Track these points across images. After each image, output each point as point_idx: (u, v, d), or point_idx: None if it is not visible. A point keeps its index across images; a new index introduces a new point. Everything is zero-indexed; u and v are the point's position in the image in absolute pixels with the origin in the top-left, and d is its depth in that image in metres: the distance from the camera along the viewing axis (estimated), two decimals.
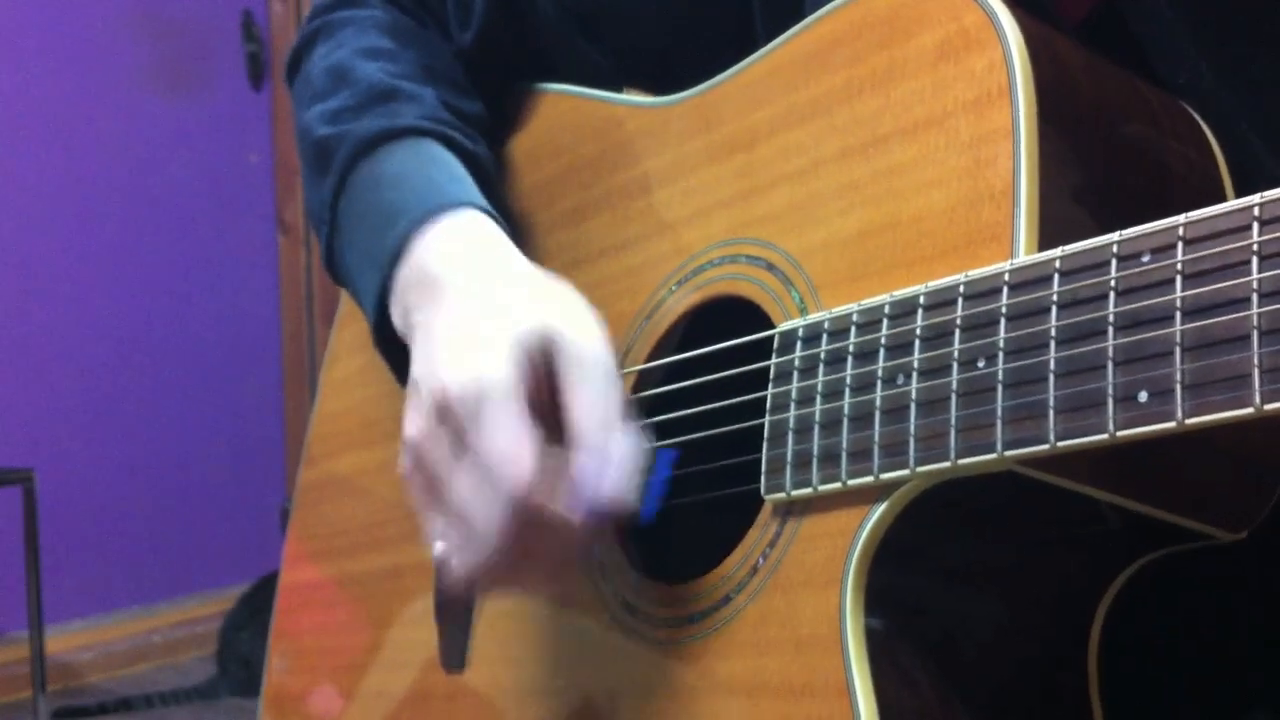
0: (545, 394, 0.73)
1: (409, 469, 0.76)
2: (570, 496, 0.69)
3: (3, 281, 3.16)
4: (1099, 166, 0.65)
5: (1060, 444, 0.56)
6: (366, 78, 0.93)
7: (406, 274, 0.82)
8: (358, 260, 0.88)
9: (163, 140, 3.48)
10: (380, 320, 0.85)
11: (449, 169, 0.89)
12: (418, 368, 0.77)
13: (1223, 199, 0.68)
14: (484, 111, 0.99)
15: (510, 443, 0.70)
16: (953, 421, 0.60)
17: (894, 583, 0.65)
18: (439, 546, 0.75)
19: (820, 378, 0.67)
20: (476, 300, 0.77)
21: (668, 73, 0.89)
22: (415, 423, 0.75)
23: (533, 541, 0.70)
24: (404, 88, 0.93)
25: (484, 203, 0.85)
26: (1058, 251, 0.57)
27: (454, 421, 0.72)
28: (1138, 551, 0.67)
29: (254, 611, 3.14)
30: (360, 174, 0.89)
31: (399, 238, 0.83)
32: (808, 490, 0.66)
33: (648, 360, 0.82)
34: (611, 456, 0.70)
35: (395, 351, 0.86)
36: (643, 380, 0.82)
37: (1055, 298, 0.57)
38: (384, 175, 0.88)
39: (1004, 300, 0.59)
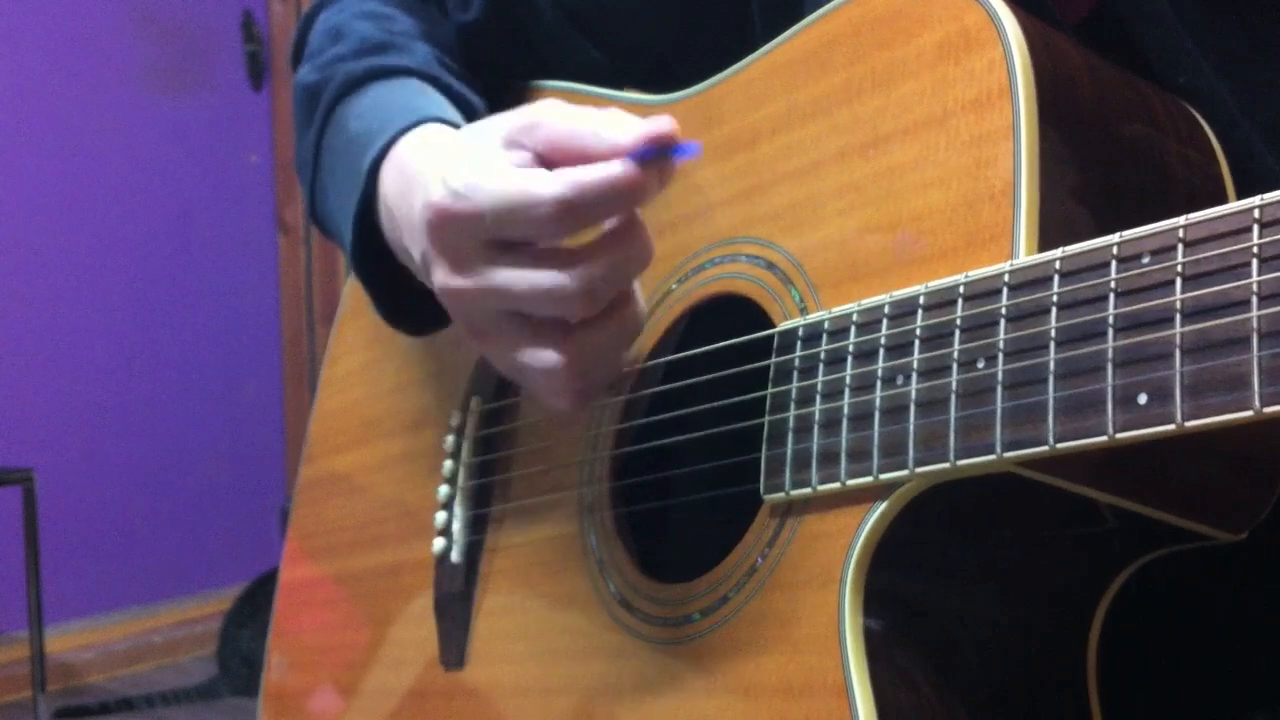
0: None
1: (463, 317, 0.72)
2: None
3: (3, 281, 3.16)
4: (1099, 166, 0.65)
5: (1059, 445, 0.56)
6: (361, 32, 0.93)
7: (388, 175, 0.80)
8: (338, 189, 0.87)
9: (163, 140, 3.48)
10: (358, 240, 0.84)
11: (436, 100, 0.87)
12: (408, 236, 0.74)
13: (1224, 200, 0.68)
14: (479, 86, 0.98)
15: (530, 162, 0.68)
16: (952, 422, 0.60)
17: (893, 583, 0.64)
18: (538, 362, 0.70)
19: (820, 377, 0.67)
20: (459, 151, 0.73)
21: (665, 71, 0.89)
22: (439, 268, 0.70)
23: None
24: (399, 41, 0.92)
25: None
26: (1058, 252, 0.57)
27: (465, 204, 0.68)
28: (1137, 552, 0.67)
29: (255, 609, 3.14)
30: (346, 107, 0.89)
31: (380, 148, 0.81)
32: (806, 490, 0.66)
33: (648, 358, 0.82)
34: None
35: (374, 277, 0.85)
36: (642, 378, 0.82)
37: (1055, 299, 0.57)
38: (368, 105, 0.87)
39: (1004, 301, 0.59)
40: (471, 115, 0.90)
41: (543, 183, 0.66)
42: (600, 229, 0.68)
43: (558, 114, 0.69)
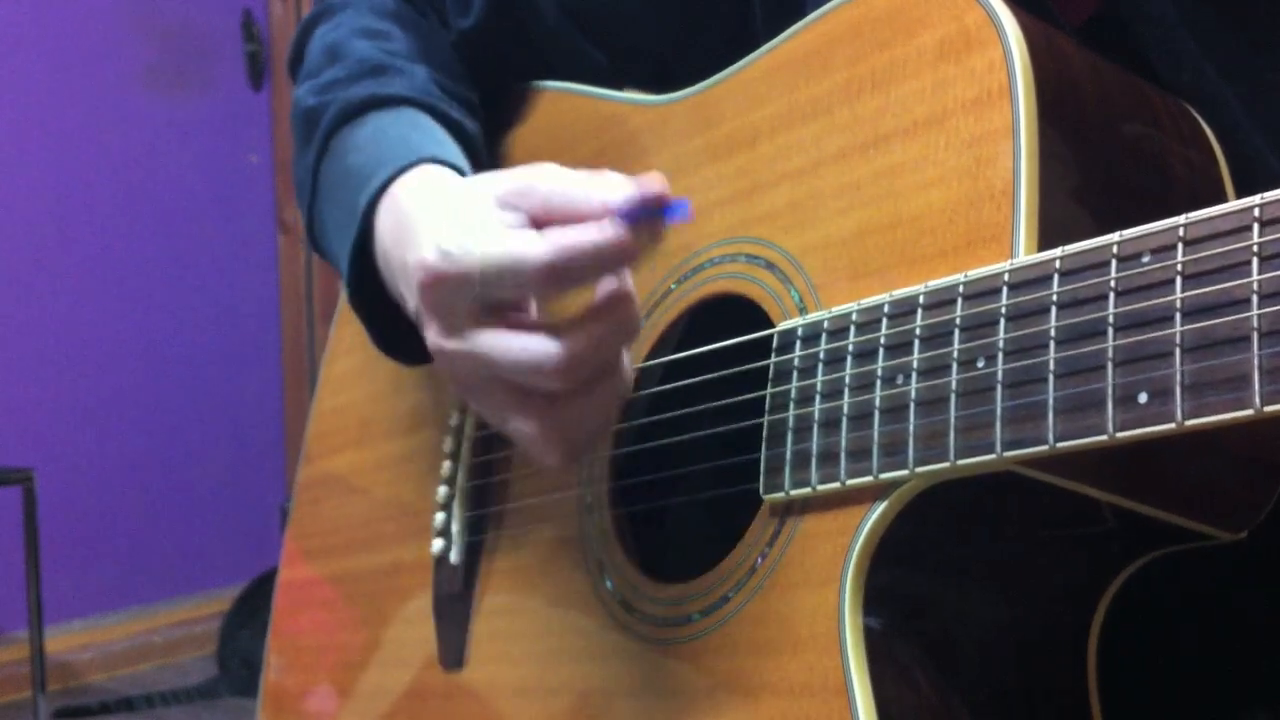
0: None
1: (453, 376, 0.72)
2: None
3: (3, 281, 3.16)
4: (1099, 167, 0.65)
5: (1059, 445, 0.56)
6: (358, 53, 0.93)
7: (384, 219, 0.80)
8: (335, 221, 0.87)
9: (163, 140, 3.48)
10: (354, 277, 0.84)
11: (432, 134, 0.87)
12: (403, 285, 0.75)
13: (1224, 200, 0.68)
14: (476, 100, 0.98)
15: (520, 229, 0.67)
16: (952, 421, 0.60)
17: (893, 582, 0.64)
18: (524, 427, 0.71)
19: (819, 377, 0.67)
20: (453, 208, 0.73)
21: (667, 72, 0.89)
22: (430, 327, 0.71)
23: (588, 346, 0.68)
24: (396, 64, 0.92)
25: (465, 164, 0.84)
26: (1058, 252, 0.57)
27: (455, 266, 0.68)
28: (1138, 551, 0.67)
29: (255, 609, 3.14)
30: (343, 138, 0.89)
31: (376, 188, 0.81)
32: (806, 490, 0.66)
33: (647, 358, 0.82)
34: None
35: (370, 311, 0.85)
36: (642, 378, 0.82)
37: (1055, 298, 0.57)
38: (365, 137, 0.87)
39: (1004, 300, 0.59)
40: (467, 142, 0.91)
41: (530, 245, 0.66)
42: (592, 291, 0.68)
43: (550, 176, 0.70)
